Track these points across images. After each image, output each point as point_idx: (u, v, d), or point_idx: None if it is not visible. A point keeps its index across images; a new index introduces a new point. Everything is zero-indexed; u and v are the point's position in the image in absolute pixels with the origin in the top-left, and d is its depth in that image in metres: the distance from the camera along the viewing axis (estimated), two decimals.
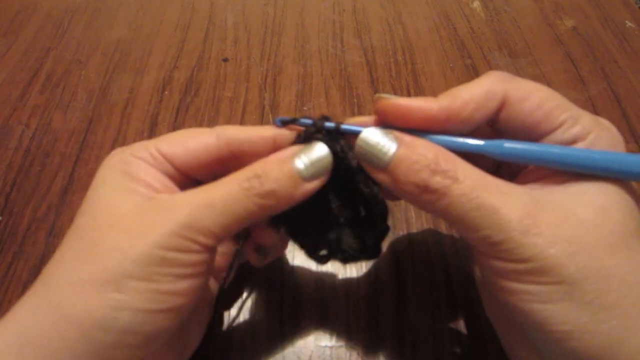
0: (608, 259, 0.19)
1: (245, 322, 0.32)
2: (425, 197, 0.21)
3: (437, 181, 0.20)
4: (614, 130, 0.23)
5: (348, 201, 0.26)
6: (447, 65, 0.49)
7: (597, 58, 0.49)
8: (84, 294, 0.20)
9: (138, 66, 0.49)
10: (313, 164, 0.23)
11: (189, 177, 0.25)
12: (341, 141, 0.24)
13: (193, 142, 0.25)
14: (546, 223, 0.19)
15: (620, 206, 0.20)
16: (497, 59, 0.49)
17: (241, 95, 0.46)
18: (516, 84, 0.23)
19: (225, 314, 0.32)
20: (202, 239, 0.21)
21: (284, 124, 0.25)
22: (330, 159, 0.24)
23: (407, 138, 0.22)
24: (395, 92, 0.46)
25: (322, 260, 0.27)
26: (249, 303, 0.33)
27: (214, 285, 0.29)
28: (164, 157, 0.24)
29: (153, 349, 0.22)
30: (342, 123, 0.25)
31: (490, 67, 0.49)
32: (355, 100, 0.46)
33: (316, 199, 0.25)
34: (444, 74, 0.48)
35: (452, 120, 0.22)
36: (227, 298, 0.33)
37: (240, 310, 0.32)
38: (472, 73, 0.48)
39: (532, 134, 0.22)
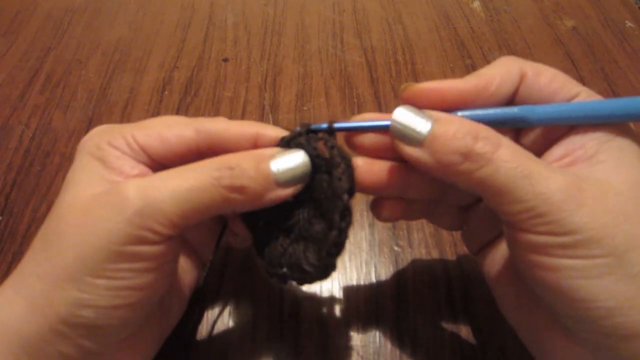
0: None
1: (245, 323, 0.32)
2: (466, 165, 0.20)
3: (481, 146, 0.20)
4: None
5: (319, 213, 0.24)
6: (447, 65, 0.49)
7: (597, 58, 0.49)
8: (49, 291, 0.20)
9: (138, 66, 0.49)
10: (288, 170, 0.22)
11: (164, 166, 0.25)
12: (329, 139, 0.24)
13: (170, 134, 0.24)
14: (591, 194, 0.19)
15: None
16: (497, 59, 0.49)
17: (241, 95, 0.46)
18: (529, 62, 0.24)
19: (225, 313, 0.32)
20: (159, 227, 0.20)
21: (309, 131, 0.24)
22: (307, 168, 0.23)
23: (439, 114, 0.22)
24: (395, 92, 0.46)
25: (281, 279, 0.25)
26: (248, 303, 0.33)
27: (193, 265, 0.29)
28: (140, 147, 0.24)
29: (126, 333, 0.22)
30: (334, 121, 0.24)
31: None
32: (355, 100, 0.46)
33: (286, 208, 0.24)
34: (444, 74, 0.48)
35: (481, 96, 0.23)
36: (227, 297, 0.33)
37: (240, 310, 0.32)
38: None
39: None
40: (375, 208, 0.28)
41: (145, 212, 0.20)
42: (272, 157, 0.23)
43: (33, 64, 0.49)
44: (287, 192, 0.23)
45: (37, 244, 0.22)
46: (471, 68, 0.49)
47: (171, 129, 0.24)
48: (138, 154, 0.24)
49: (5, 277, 0.34)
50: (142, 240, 0.20)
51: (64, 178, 0.39)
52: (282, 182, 0.22)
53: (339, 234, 0.23)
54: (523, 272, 0.22)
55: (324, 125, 0.25)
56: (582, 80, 0.47)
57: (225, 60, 0.50)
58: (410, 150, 0.22)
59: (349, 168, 0.24)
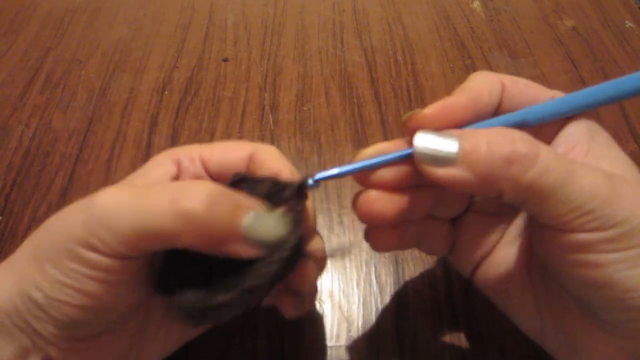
0: None
1: (244, 321, 0.32)
2: (513, 170, 0.19)
3: (523, 147, 0.19)
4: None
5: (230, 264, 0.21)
6: (447, 65, 0.49)
7: (597, 58, 0.49)
8: (22, 266, 0.21)
9: (138, 66, 0.49)
10: (254, 229, 0.21)
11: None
12: (298, 212, 0.22)
13: (229, 150, 0.26)
14: (624, 185, 0.20)
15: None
16: (497, 59, 0.49)
17: (241, 95, 0.46)
18: (500, 74, 0.24)
19: None
20: (110, 239, 0.19)
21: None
22: (286, 236, 0.21)
23: (459, 130, 0.22)
24: (395, 92, 0.46)
25: (163, 293, 0.22)
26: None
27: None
28: (201, 159, 0.26)
29: (74, 334, 0.22)
30: (307, 179, 0.23)
31: (490, 67, 0.49)
32: (355, 100, 0.46)
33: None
34: (444, 74, 0.48)
35: (478, 107, 0.23)
36: None
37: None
38: (472, 73, 0.48)
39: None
40: (374, 239, 0.26)
41: (100, 221, 0.19)
42: (254, 208, 0.21)
43: (33, 64, 0.49)
44: (250, 251, 0.21)
45: None
46: (471, 68, 0.49)
47: (233, 146, 0.26)
48: (196, 166, 0.26)
49: None
50: (92, 247, 0.19)
51: (64, 178, 0.40)
52: (250, 237, 0.21)
53: (233, 300, 0.20)
54: (564, 274, 0.22)
55: (333, 171, 0.23)
56: (582, 80, 0.47)
57: (225, 60, 0.50)
58: (443, 172, 0.21)
59: (295, 258, 0.22)
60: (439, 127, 0.22)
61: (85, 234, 0.20)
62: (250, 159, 0.25)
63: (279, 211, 0.22)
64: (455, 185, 0.21)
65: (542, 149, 0.20)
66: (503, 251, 0.26)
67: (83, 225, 0.20)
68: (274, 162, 0.25)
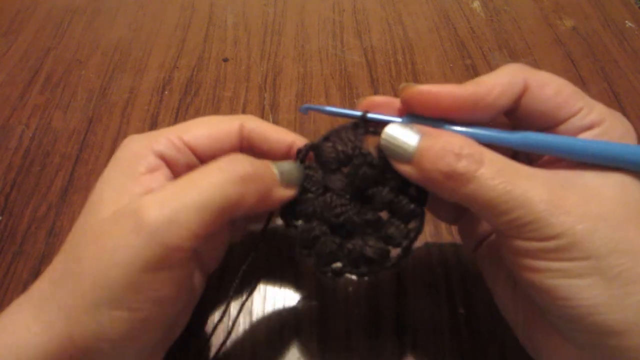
0: (634, 234, 0.19)
1: (245, 321, 0.32)
2: (451, 183, 0.21)
3: (463, 165, 0.20)
4: (625, 121, 0.23)
5: (371, 205, 0.25)
6: (447, 65, 0.49)
7: (597, 58, 0.49)
8: (68, 321, 0.20)
9: (138, 66, 0.49)
10: (285, 173, 0.24)
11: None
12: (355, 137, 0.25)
13: (216, 129, 0.25)
14: (572, 202, 0.20)
15: (638, 186, 0.21)
16: (497, 59, 0.49)
17: (241, 95, 0.46)
18: (535, 72, 0.23)
19: (229, 310, 0.32)
20: (181, 242, 0.19)
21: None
22: (299, 173, 0.25)
23: (429, 129, 0.23)
24: (395, 92, 0.46)
25: (335, 274, 0.25)
26: (248, 301, 0.33)
27: (201, 279, 0.27)
28: (187, 145, 0.24)
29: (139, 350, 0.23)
30: (367, 112, 0.25)
31: (490, 67, 0.49)
32: (355, 100, 0.46)
33: (326, 204, 0.25)
34: (444, 74, 0.48)
35: (479, 105, 0.23)
36: (227, 293, 0.33)
37: (240, 309, 0.32)
38: (472, 73, 0.48)
39: (551, 121, 0.23)
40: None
41: (165, 228, 0.19)
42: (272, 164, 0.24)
43: (33, 64, 0.49)
44: (287, 193, 0.24)
45: (58, 265, 0.21)
46: (471, 68, 0.48)
47: (215, 125, 0.25)
48: (184, 153, 0.24)
49: (6, 277, 0.34)
50: (163, 263, 0.19)
51: (64, 178, 0.40)
52: (282, 181, 0.24)
53: (421, 222, 0.25)
54: (514, 273, 0.22)
55: (324, 108, 0.27)
56: (582, 80, 0.47)
57: (225, 60, 0.50)
58: (401, 167, 0.23)
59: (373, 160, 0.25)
60: (428, 109, 0.23)
61: (153, 252, 0.19)
62: (241, 132, 0.25)
63: (292, 161, 0.25)
64: (413, 180, 0.23)
65: (485, 165, 0.20)
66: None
67: (147, 245, 0.19)
68: (283, 134, 0.26)
